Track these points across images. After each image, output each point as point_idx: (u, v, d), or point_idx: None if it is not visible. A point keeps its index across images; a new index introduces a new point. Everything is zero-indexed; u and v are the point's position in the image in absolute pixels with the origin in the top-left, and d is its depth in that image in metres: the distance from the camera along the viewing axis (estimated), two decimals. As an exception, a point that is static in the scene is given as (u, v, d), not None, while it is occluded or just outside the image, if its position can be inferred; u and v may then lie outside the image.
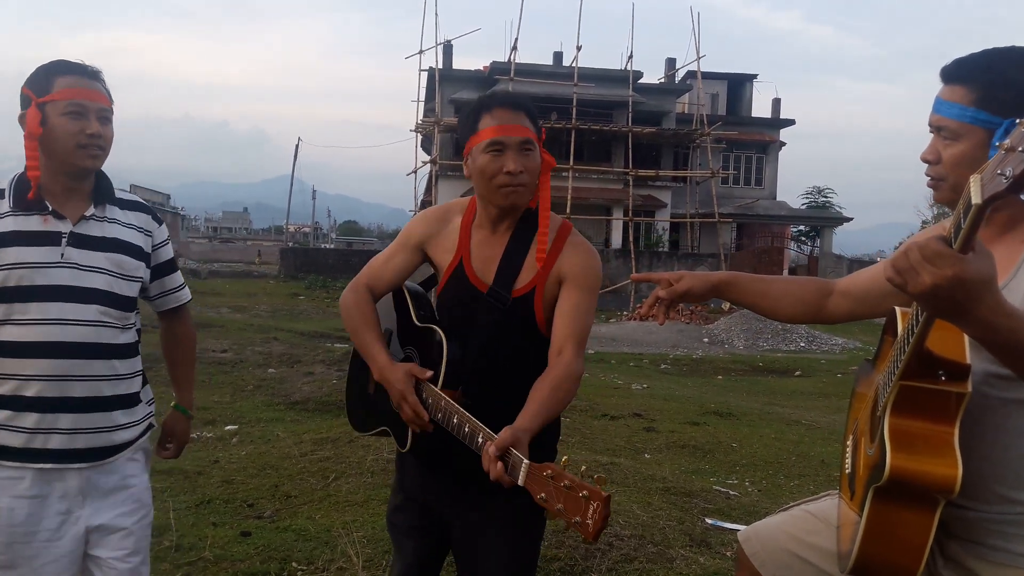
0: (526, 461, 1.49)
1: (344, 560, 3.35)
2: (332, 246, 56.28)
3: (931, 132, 1.53)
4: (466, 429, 1.66)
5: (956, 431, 1.29)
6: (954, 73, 1.49)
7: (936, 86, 1.53)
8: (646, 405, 8.15)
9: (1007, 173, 1.00)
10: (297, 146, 43.60)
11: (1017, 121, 1.00)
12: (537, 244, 1.83)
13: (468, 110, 1.88)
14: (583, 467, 1.44)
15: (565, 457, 1.48)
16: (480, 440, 1.61)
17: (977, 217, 1.05)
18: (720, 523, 4.03)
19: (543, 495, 1.43)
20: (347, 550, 3.39)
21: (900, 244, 1.32)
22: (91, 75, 1.91)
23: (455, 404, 1.71)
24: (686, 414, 7.82)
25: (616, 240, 30.03)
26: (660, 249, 30.31)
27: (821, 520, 1.76)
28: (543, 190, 1.86)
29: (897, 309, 1.48)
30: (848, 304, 1.83)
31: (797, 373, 12.52)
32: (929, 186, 1.56)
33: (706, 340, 17.31)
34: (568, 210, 25.50)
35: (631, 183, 28.05)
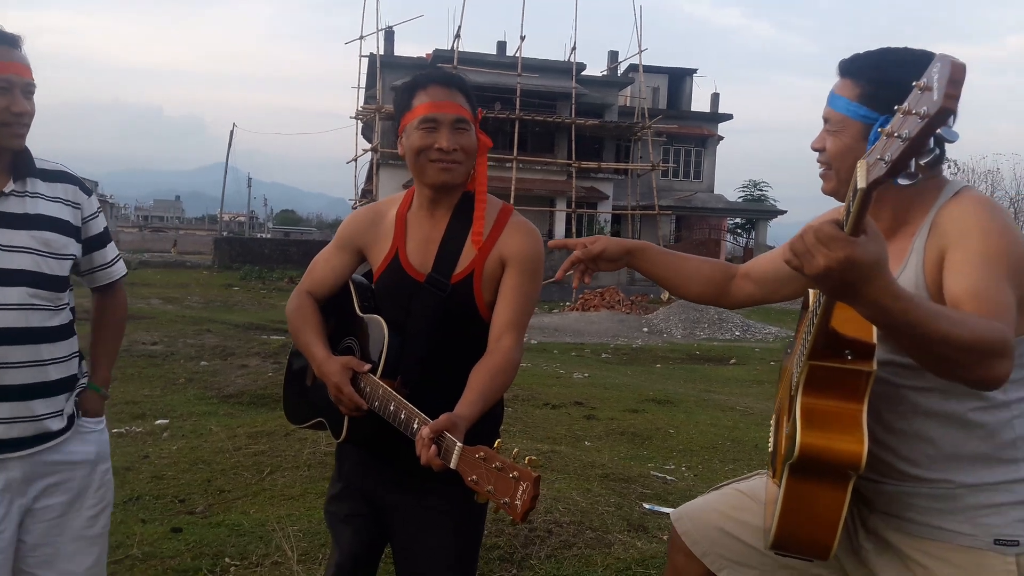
0: (459, 444, 1.47)
1: (279, 555, 3.27)
2: (268, 236, 55.17)
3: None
4: (402, 416, 1.63)
5: (864, 408, 1.33)
6: (846, 68, 1.55)
7: None
8: (587, 394, 8.21)
9: (886, 158, 1.04)
10: (232, 132, 42.61)
11: (895, 108, 1.03)
12: (474, 226, 1.80)
13: (403, 87, 1.84)
14: (515, 449, 1.43)
15: (499, 440, 1.47)
16: (415, 425, 1.58)
17: (864, 200, 1.08)
18: (657, 508, 4.08)
19: (474, 477, 1.42)
20: (282, 544, 3.31)
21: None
22: (11, 43, 1.78)
23: (392, 392, 1.68)
24: (625, 402, 7.91)
25: (559, 231, 30.17)
26: (601, 240, 30.54)
27: (750, 497, 1.80)
28: (480, 172, 1.83)
29: (811, 290, 1.53)
30: (750, 287, 1.88)
31: (732, 361, 12.78)
32: (820, 176, 1.61)
33: (646, 330, 17.54)
34: (512, 201, 25.39)
35: (574, 175, 28.19)
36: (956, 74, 0.97)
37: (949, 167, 47.87)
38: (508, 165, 27.04)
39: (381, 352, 1.75)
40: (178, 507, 4.03)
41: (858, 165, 1.09)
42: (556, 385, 8.77)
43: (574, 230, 27.23)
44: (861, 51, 1.55)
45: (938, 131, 0.99)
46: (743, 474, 1.94)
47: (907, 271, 1.48)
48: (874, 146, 1.07)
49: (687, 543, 1.83)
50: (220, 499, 4.17)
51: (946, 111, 0.96)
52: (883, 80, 1.47)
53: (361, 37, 28.44)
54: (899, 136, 1.02)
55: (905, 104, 1.02)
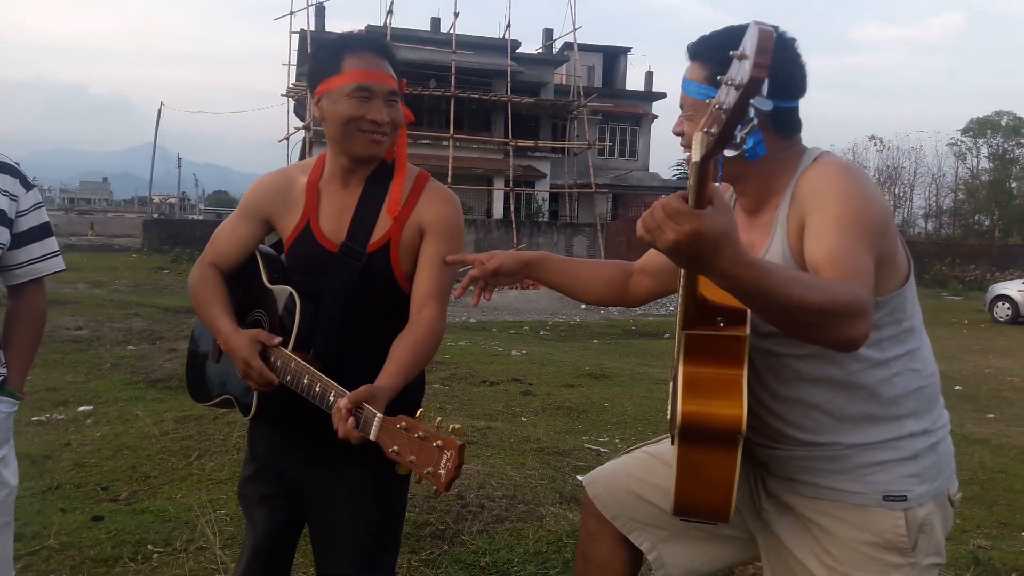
0: (379, 414, 1.44)
1: (204, 540, 3.20)
2: (200, 217, 53.68)
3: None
4: (316, 389, 1.58)
5: (743, 372, 1.36)
6: (693, 51, 1.56)
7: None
8: (524, 370, 8.25)
9: (712, 131, 1.05)
10: (159, 111, 41.21)
11: (719, 78, 1.04)
12: (391, 195, 1.76)
13: (328, 45, 1.73)
14: (438, 419, 1.40)
15: (420, 410, 1.44)
16: (331, 398, 1.54)
17: (700, 174, 1.10)
18: (590, 480, 4.13)
19: (395, 448, 1.39)
20: (206, 530, 3.24)
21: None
22: None
23: (305, 365, 1.62)
24: (562, 377, 7.98)
25: (498, 210, 30.13)
26: (540, 219, 30.64)
27: (659, 460, 1.81)
28: (400, 145, 1.79)
29: None
30: (648, 281, 1.89)
31: (667, 335, 13.00)
32: (686, 160, 1.62)
33: (583, 307, 17.69)
34: (449, 180, 25.31)
35: (511, 153, 28.13)
36: (764, 41, 0.96)
37: (875, 144, 49.06)
38: (444, 143, 26.82)
39: (293, 324, 1.69)
40: (100, 495, 3.91)
41: (694, 139, 1.10)
42: (494, 363, 8.80)
43: (512, 208, 27.19)
44: (706, 33, 1.56)
45: (751, 100, 0.99)
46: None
47: (774, 243, 1.50)
48: (705, 118, 1.08)
49: (598, 506, 1.84)
50: (145, 485, 4.06)
51: (756, 80, 0.97)
52: (727, 61, 1.49)
53: (291, 13, 27.71)
54: (722, 108, 1.03)
55: (727, 74, 1.02)
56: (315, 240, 1.77)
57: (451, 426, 1.38)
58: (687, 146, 1.58)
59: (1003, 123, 47.21)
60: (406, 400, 1.77)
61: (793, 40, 1.51)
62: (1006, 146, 47.51)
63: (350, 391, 1.52)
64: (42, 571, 2.99)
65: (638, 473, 1.82)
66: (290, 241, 1.82)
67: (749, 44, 0.97)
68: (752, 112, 1.01)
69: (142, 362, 7.60)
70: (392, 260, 1.75)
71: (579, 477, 4.22)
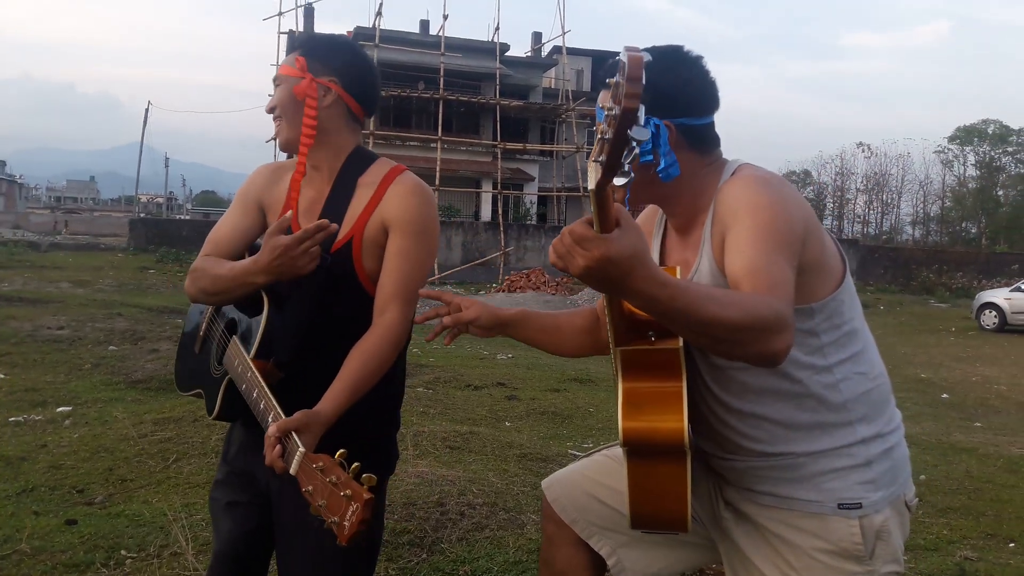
0: (301, 449, 1.37)
1: (178, 546, 3.13)
2: (187, 217, 53.36)
3: None
4: (261, 406, 1.51)
5: (682, 384, 1.36)
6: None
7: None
8: (510, 374, 8.21)
9: (601, 160, 1.04)
10: (147, 110, 40.97)
11: (601, 106, 1.03)
12: (291, 182, 1.70)
13: None
14: (354, 464, 1.30)
15: (343, 450, 1.33)
16: (269, 419, 1.46)
17: (598, 200, 1.10)
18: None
19: (310, 488, 1.31)
20: (180, 536, 3.18)
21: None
22: None
23: (258, 377, 1.54)
24: (548, 382, 7.94)
25: (486, 213, 30.13)
26: (528, 222, 30.64)
27: (618, 463, 1.73)
28: (306, 119, 1.67)
29: None
30: None
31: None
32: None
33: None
34: (437, 182, 25.27)
35: (499, 156, 28.12)
36: (633, 70, 0.95)
37: (863, 151, 49.32)
38: (433, 145, 26.76)
39: (258, 329, 1.62)
40: (75, 498, 3.83)
41: (589, 167, 1.09)
42: (479, 366, 8.75)
43: (500, 210, 27.17)
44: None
45: (628, 132, 0.98)
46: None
47: (703, 261, 1.50)
48: (595, 147, 1.07)
49: (556, 510, 1.80)
50: (121, 489, 3.99)
51: (629, 111, 0.96)
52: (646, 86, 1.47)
53: (280, 13, 27.60)
54: (604, 138, 1.02)
55: (608, 103, 1.01)
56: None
57: (364, 475, 1.27)
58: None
59: (990, 131, 47.68)
60: (378, 408, 1.72)
61: (699, 58, 1.53)
62: (993, 154, 48.00)
63: (308, 405, 1.47)
64: (11, 576, 2.93)
65: (597, 476, 1.79)
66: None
67: (620, 74, 0.96)
68: (633, 142, 1.00)
69: (123, 363, 7.51)
70: (355, 260, 1.66)
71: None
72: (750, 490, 1.56)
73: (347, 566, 1.70)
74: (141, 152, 38.86)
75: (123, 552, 3.12)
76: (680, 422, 1.33)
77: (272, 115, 1.75)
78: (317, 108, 1.68)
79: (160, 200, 67.02)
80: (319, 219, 1.64)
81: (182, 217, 54.00)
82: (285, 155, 1.98)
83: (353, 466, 1.29)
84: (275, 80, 1.76)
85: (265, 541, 1.82)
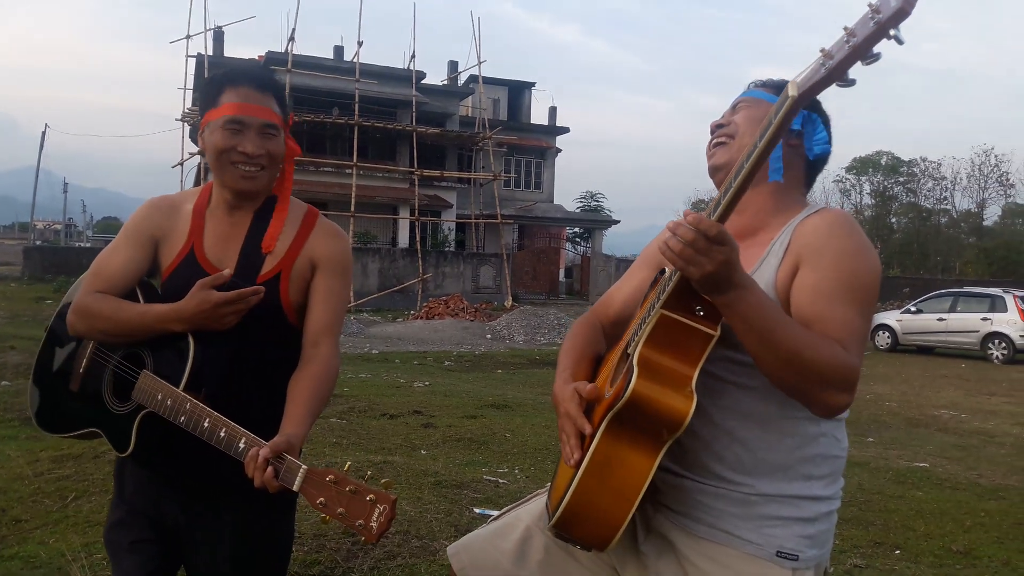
0: (304, 466, 1.44)
1: (77, 586, 3.03)
2: (88, 244, 51.05)
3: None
4: (222, 434, 1.53)
5: (695, 373, 1.34)
6: (762, 82, 1.65)
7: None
8: (426, 402, 8.19)
9: (829, 62, 1.11)
10: (44, 133, 39.21)
11: (844, 28, 1.11)
12: (269, 228, 1.74)
13: (212, 80, 1.74)
14: (368, 472, 1.45)
15: (349, 463, 1.48)
16: (242, 446, 1.50)
17: (790, 109, 1.15)
18: (486, 511, 4.13)
19: (323, 500, 1.41)
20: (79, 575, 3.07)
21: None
22: None
23: (204, 407, 1.56)
24: (464, 408, 7.96)
25: (403, 239, 29.96)
26: (447, 249, 30.65)
27: (533, 524, 1.69)
28: (287, 179, 1.79)
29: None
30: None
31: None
32: (714, 147, 1.63)
33: (489, 336, 17.74)
34: (352, 208, 25.03)
35: (417, 183, 28.10)
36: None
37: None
38: (348, 172, 26.53)
39: (186, 363, 1.62)
40: (-36, 543, 3.64)
41: (788, 86, 1.15)
42: (395, 395, 8.69)
43: (418, 237, 27.11)
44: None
45: (891, 32, 1.05)
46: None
47: (761, 272, 1.48)
48: (806, 69, 1.14)
49: None
50: (15, 530, 3.81)
51: (903, 12, 1.02)
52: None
53: (188, 36, 27.01)
54: (847, 42, 1.08)
55: (850, 26, 1.08)
56: (199, 267, 1.72)
57: (383, 480, 1.42)
58: (728, 135, 1.60)
59: (883, 162, 50.48)
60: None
61: (829, 120, 1.61)
62: (886, 183, 50.75)
63: (250, 431, 1.51)
64: None
65: (506, 544, 1.68)
66: (172, 267, 1.75)
67: None
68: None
69: (16, 399, 7.14)
70: (281, 292, 1.73)
71: (476, 509, 4.21)
72: (688, 517, 1.51)
73: None
74: (37, 176, 37.11)
75: (16, 597, 2.99)
76: (688, 405, 1.31)
77: (253, 162, 1.69)
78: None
79: (58, 227, 64.01)
80: (240, 255, 1.72)
81: (81, 244, 51.60)
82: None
83: (368, 474, 1.43)
84: (267, 127, 1.70)
85: None
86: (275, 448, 1.46)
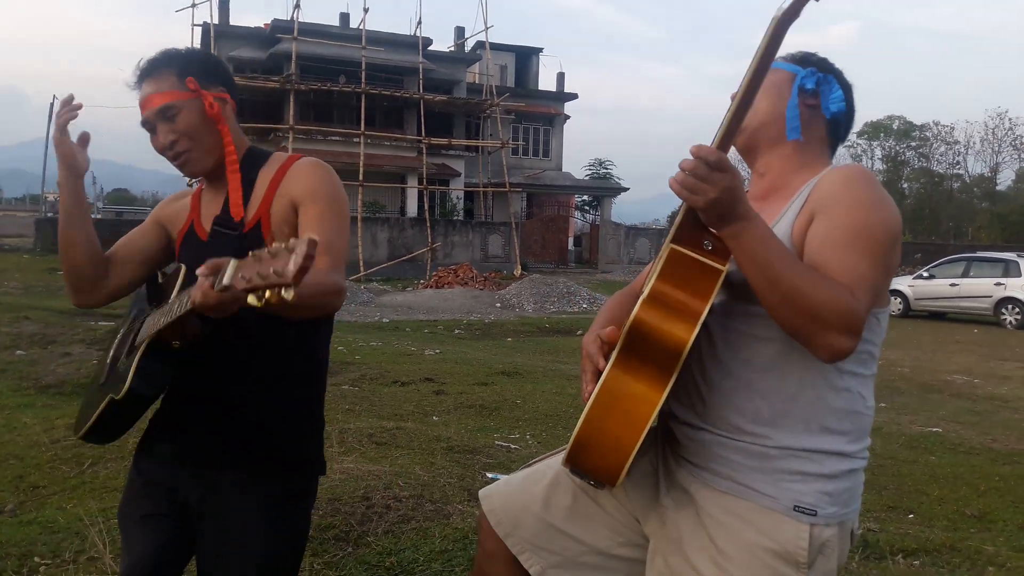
0: (233, 260, 1.25)
1: (95, 550, 3.06)
2: (99, 216, 51.21)
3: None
4: (185, 298, 1.42)
5: (705, 309, 1.34)
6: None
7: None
8: (437, 369, 8.21)
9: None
10: (52, 105, 39.12)
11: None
12: (230, 197, 1.71)
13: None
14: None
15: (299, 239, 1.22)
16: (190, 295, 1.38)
17: (776, 32, 1.24)
18: (498, 476, 4.15)
19: (244, 275, 1.20)
20: (97, 540, 3.10)
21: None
22: None
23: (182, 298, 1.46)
24: (475, 375, 7.98)
25: (412, 208, 29.92)
26: (456, 218, 30.60)
27: (559, 472, 1.69)
28: (225, 137, 1.69)
29: None
30: None
31: (579, 332, 13.17)
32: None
33: (498, 305, 17.75)
34: (361, 177, 24.98)
35: (424, 151, 27.97)
36: None
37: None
38: (356, 140, 26.45)
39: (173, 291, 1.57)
40: (-17, 508, 3.69)
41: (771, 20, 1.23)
42: (406, 363, 8.73)
43: (427, 206, 27.04)
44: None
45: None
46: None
47: (779, 227, 1.49)
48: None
49: (492, 523, 1.73)
50: (33, 496, 3.86)
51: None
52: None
53: (193, 5, 26.78)
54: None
55: None
56: (196, 236, 1.76)
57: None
58: None
59: (894, 127, 49.93)
60: (297, 412, 1.73)
61: (851, 86, 1.64)
62: (897, 148, 50.25)
63: (242, 393, 1.53)
64: (-86, 591, 2.81)
65: (536, 488, 1.71)
66: (178, 244, 1.81)
67: None
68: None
69: (32, 367, 7.20)
70: (265, 239, 1.66)
71: (488, 474, 4.23)
72: (707, 470, 1.51)
73: (276, 560, 1.71)
74: (47, 149, 37.09)
75: (36, 559, 3.02)
76: (688, 335, 1.32)
77: (171, 151, 1.67)
78: (227, 122, 1.71)
79: (69, 198, 63.84)
80: (214, 221, 1.73)
81: (94, 216, 51.70)
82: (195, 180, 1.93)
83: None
84: (163, 112, 1.65)
85: (178, 556, 1.76)
86: (213, 263, 1.30)
